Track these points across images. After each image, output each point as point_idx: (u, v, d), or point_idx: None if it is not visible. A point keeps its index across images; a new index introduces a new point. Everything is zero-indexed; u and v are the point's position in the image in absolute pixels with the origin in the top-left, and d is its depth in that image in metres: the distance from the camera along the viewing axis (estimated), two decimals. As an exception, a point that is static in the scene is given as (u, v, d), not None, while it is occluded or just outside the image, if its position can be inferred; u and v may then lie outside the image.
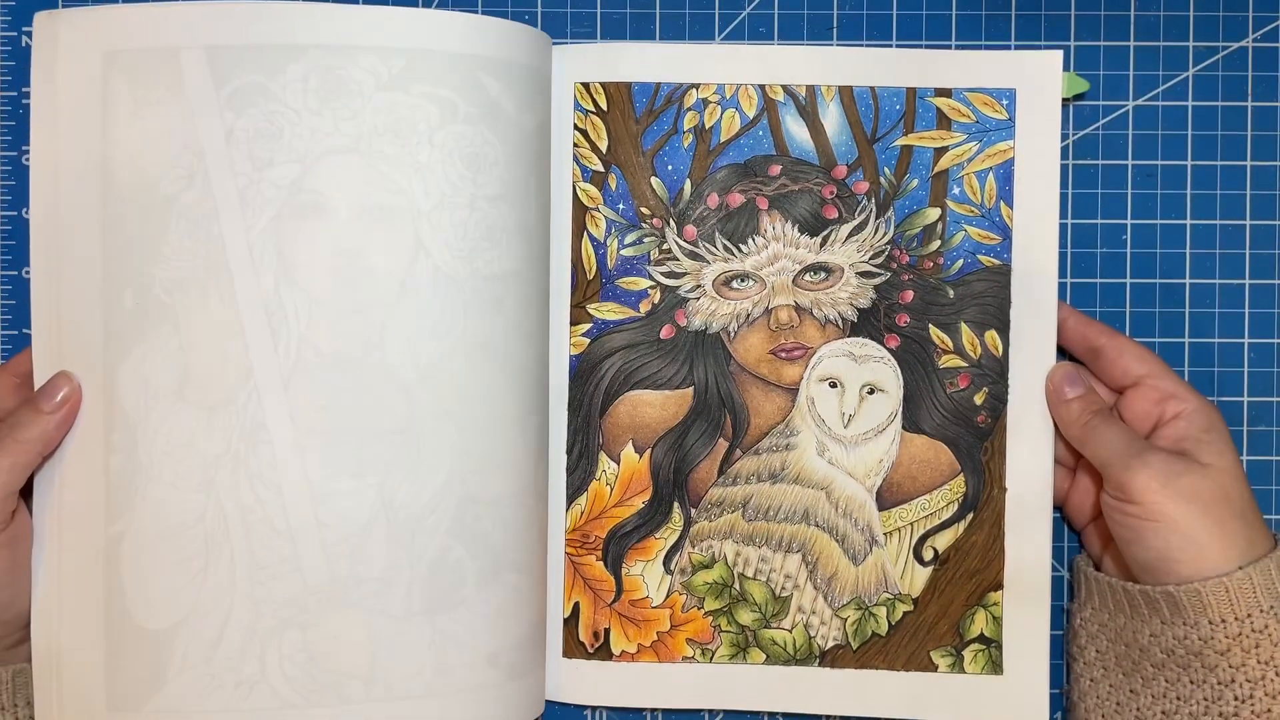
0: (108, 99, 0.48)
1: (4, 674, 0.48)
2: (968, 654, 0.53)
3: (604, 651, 0.54)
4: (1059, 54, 0.53)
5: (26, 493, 0.48)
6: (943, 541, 0.53)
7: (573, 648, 0.54)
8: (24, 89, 0.55)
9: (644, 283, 0.54)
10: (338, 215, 0.48)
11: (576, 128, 0.54)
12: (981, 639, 0.53)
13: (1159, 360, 0.51)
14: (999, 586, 0.53)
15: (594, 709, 0.55)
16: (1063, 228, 0.54)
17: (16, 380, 0.50)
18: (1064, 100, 0.53)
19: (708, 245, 0.53)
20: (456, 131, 0.49)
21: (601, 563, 0.54)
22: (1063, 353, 0.54)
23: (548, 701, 0.54)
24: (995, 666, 0.53)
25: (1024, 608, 0.53)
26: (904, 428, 0.54)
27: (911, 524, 0.54)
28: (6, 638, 0.49)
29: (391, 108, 0.48)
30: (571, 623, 0.54)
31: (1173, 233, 0.55)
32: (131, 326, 0.48)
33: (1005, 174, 0.53)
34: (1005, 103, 0.53)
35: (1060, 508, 0.55)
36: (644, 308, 0.54)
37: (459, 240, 0.49)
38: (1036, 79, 0.53)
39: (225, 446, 0.48)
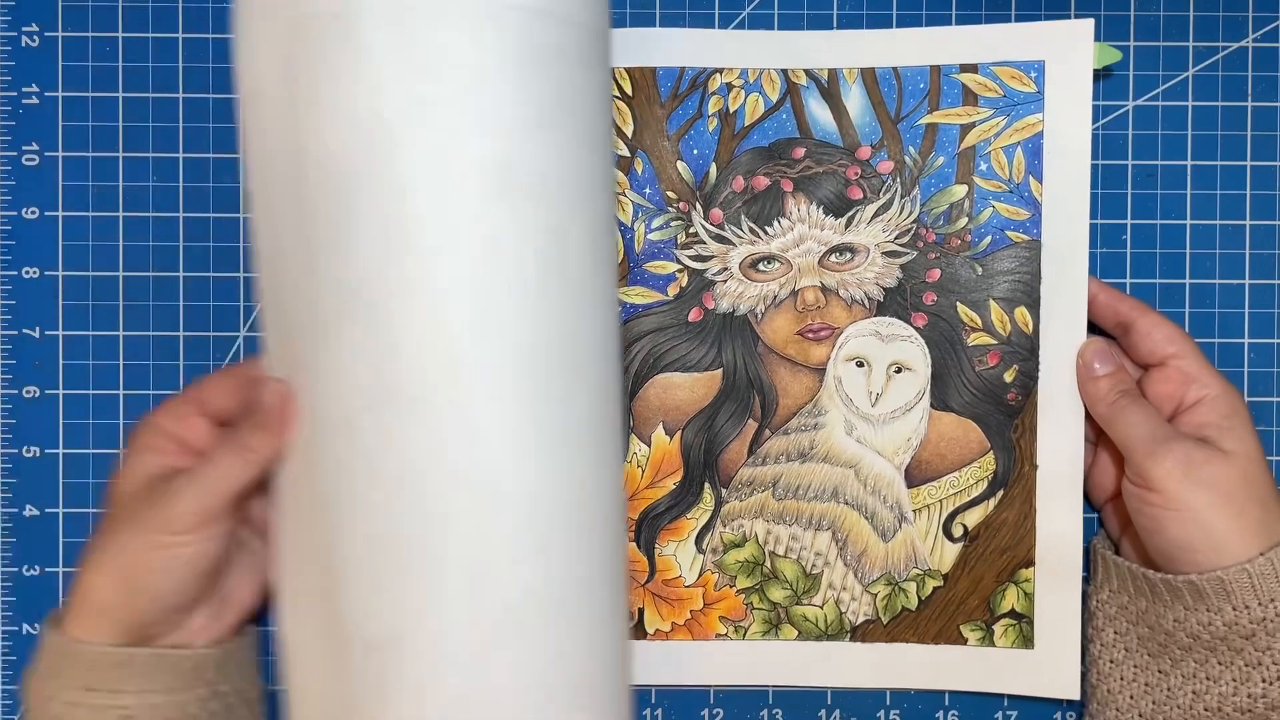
0: (294, 72, 0.42)
1: (218, 654, 0.47)
2: (998, 628, 0.54)
3: (638, 631, 0.55)
4: (1090, 23, 0.52)
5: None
6: (972, 518, 0.54)
7: (608, 626, 0.55)
8: (24, 89, 0.55)
9: (671, 266, 0.54)
10: (541, 191, 0.43)
11: (602, 113, 0.54)
12: (1012, 614, 0.54)
13: (1189, 341, 0.51)
14: (1030, 563, 0.53)
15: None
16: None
17: (241, 384, 0.47)
18: (1095, 72, 0.52)
19: (734, 228, 0.54)
20: None
21: (634, 544, 0.55)
22: (1093, 328, 0.53)
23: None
24: (1026, 641, 0.53)
25: (1055, 584, 0.53)
26: (932, 406, 0.54)
27: (941, 501, 0.54)
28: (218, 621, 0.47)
29: None
30: (606, 601, 0.55)
31: (1173, 233, 0.55)
32: (332, 320, 0.42)
33: (1034, 148, 0.53)
34: (1034, 75, 0.53)
35: None
36: (672, 291, 0.54)
37: None
38: (1066, 50, 0.52)
39: (433, 445, 0.42)
